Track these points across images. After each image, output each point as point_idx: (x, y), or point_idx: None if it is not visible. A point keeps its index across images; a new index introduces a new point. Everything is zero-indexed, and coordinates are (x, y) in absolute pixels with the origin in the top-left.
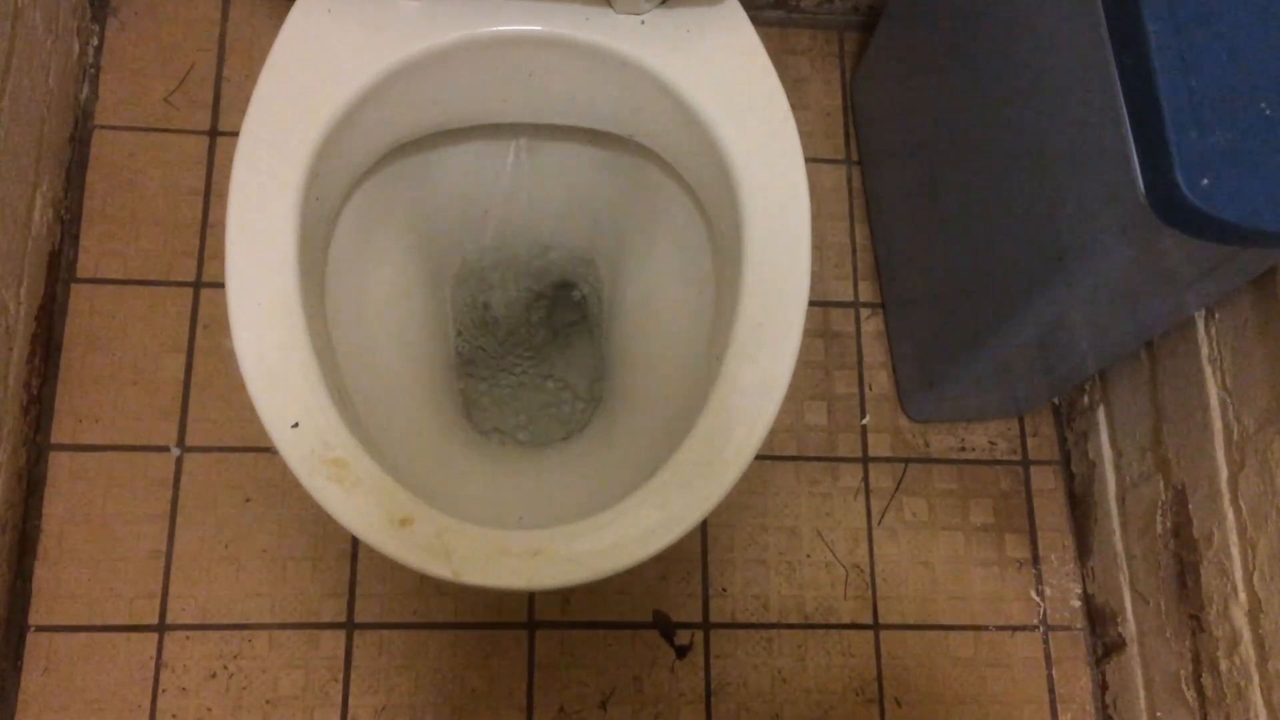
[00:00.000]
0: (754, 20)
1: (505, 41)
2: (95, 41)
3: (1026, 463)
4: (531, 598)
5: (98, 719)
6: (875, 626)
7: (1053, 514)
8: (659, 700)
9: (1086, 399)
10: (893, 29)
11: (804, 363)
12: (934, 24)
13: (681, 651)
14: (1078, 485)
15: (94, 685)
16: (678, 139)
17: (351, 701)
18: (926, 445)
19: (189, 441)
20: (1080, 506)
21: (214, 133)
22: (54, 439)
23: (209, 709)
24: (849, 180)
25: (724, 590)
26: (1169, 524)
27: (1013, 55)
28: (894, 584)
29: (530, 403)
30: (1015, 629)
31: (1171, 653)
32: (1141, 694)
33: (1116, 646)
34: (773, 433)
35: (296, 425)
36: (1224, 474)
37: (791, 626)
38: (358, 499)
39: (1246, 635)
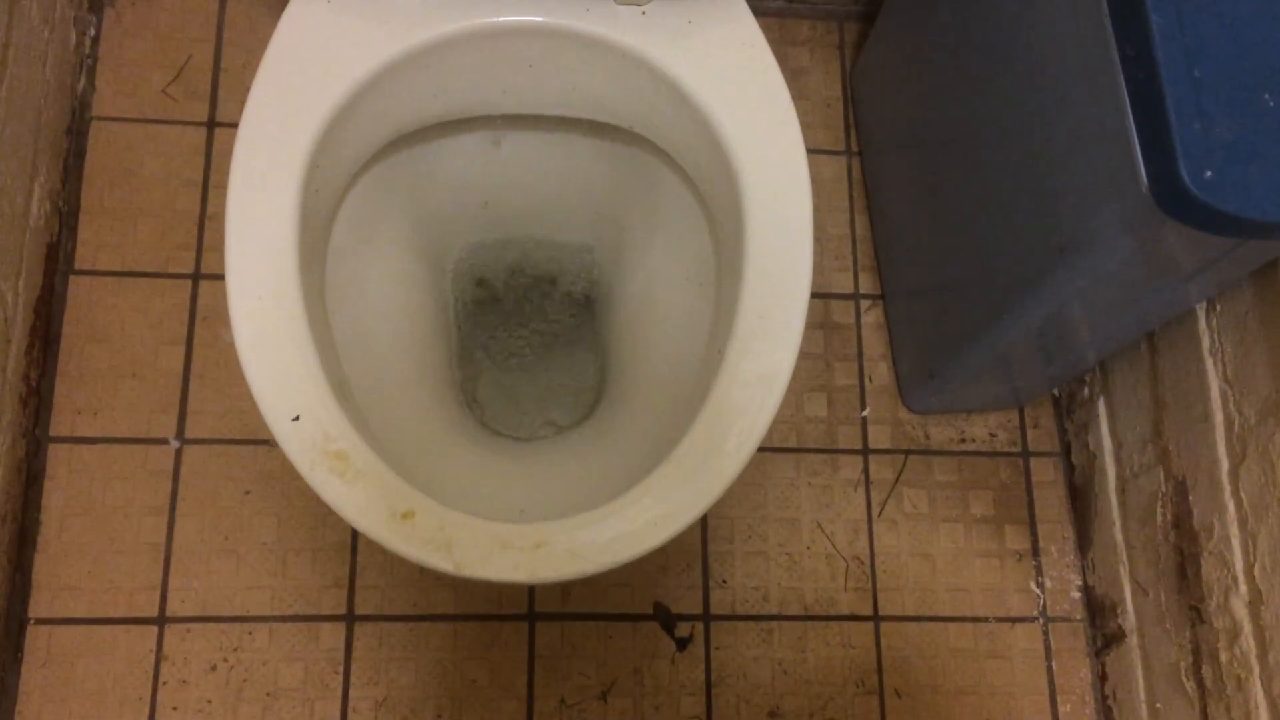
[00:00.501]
0: (754, 11)
1: (505, 32)
2: (92, 32)
3: (1026, 454)
4: (532, 589)
5: (98, 711)
6: (875, 618)
7: (1053, 505)
8: (659, 692)
9: (1087, 390)
10: (893, 19)
11: (804, 354)
12: (934, 14)
13: (682, 643)
14: (1078, 477)
15: (94, 678)
16: (679, 130)
17: (352, 693)
18: (926, 437)
19: (188, 434)
20: (1080, 498)
21: (212, 124)
22: (53, 431)
23: (209, 701)
24: (849, 171)
25: (724, 582)
26: (1169, 515)
27: (1014, 46)
28: (894, 575)
29: (531, 394)
30: (1015, 620)
31: (1171, 644)
32: (1141, 685)
33: (1116, 638)
34: (773, 424)
35: (297, 419)
36: (1225, 465)
37: (792, 618)
38: (359, 492)
39: (1247, 627)
